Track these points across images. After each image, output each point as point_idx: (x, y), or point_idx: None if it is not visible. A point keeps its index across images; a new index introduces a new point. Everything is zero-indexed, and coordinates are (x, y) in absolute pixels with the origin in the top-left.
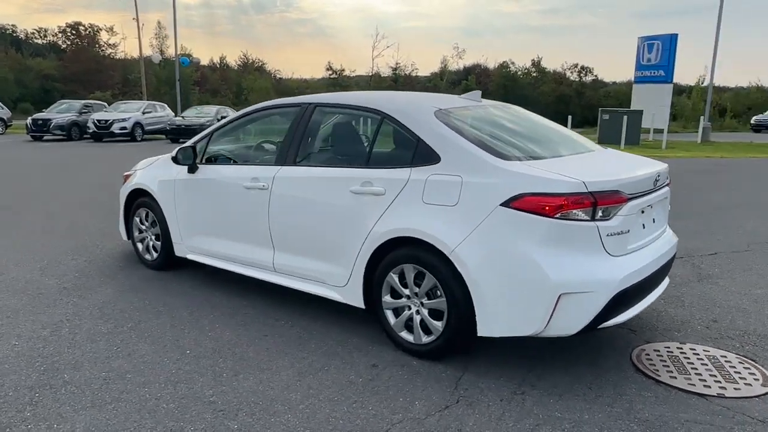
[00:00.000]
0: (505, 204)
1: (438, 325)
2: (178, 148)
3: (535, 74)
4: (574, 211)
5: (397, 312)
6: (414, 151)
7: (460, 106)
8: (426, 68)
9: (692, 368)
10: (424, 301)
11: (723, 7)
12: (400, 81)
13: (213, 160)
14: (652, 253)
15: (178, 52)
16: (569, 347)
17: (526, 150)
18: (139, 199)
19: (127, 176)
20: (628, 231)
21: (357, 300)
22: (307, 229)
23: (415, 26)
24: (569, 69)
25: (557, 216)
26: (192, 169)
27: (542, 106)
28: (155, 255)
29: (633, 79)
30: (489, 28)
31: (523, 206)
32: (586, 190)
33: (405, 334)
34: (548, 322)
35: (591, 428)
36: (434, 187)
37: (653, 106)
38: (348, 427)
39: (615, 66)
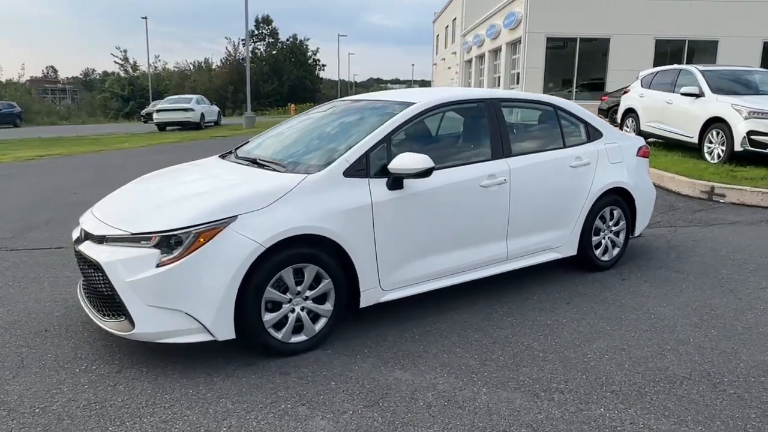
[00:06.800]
0: (637, 154)
1: (620, 241)
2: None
3: None
4: None
5: (596, 246)
6: (586, 131)
7: None
8: None
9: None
10: (614, 228)
11: None
12: None
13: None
14: None
15: None
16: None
17: None
18: (273, 257)
19: (208, 232)
20: None
21: (572, 250)
22: (542, 208)
23: None
24: None
25: (647, 157)
26: (397, 184)
27: None
28: (319, 327)
29: None
30: None
31: (641, 154)
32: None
33: (603, 257)
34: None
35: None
36: (611, 152)
37: None
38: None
39: None
